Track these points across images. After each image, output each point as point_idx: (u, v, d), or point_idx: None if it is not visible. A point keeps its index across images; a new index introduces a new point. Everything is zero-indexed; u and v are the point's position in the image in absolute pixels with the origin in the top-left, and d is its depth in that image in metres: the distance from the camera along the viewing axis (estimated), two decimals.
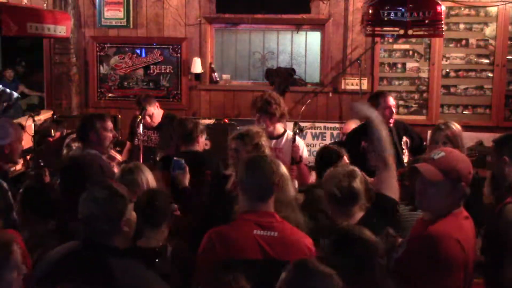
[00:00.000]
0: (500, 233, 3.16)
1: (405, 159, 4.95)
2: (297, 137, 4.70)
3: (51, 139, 5.43)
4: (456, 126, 4.22)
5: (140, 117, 5.22)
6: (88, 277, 2.41)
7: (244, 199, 2.84)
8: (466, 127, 6.81)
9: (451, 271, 2.48)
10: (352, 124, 6.18)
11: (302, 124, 5.46)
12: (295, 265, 2.10)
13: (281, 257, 2.65)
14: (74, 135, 5.39)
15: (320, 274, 2.04)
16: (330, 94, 7.09)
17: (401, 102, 6.99)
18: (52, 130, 5.64)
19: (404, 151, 4.96)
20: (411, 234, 2.68)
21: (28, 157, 5.43)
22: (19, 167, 5.70)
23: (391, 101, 4.93)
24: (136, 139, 5.48)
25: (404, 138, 4.99)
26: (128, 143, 5.79)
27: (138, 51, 7.34)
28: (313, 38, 7.33)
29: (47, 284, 2.46)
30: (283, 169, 3.10)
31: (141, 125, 5.17)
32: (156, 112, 5.61)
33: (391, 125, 4.92)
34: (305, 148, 4.90)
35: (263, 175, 2.80)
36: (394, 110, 4.95)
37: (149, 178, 3.51)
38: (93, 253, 2.49)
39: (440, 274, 2.45)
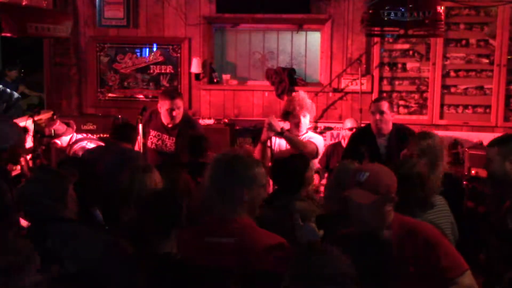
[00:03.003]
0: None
1: None
2: (315, 135, 5.10)
3: (59, 142, 5.35)
4: (433, 137, 3.93)
5: (140, 117, 5.14)
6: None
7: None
8: (466, 127, 6.88)
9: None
10: (348, 123, 6.22)
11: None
12: (302, 249, 2.07)
13: (232, 265, 2.50)
14: (83, 143, 5.32)
15: (328, 254, 2.02)
16: (330, 94, 7.09)
17: (401, 102, 7.00)
18: (52, 130, 5.60)
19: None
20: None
21: (28, 157, 5.42)
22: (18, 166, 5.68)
23: (381, 106, 4.82)
24: (150, 142, 5.31)
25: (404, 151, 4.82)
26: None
27: (138, 51, 7.35)
28: (313, 38, 7.34)
29: None
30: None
31: (140, 125, 5.08)
32: (182, 108, 5.27)
33: (383, 130, 4.85)
34: (321, 144, 5.01)
35: (226, 177, 2.64)
36: (387, 116, 4.82)
37: (157, 180, 3.50)
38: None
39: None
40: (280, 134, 4.67)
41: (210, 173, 2.70)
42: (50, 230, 2.78)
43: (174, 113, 5.17)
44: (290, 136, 4.72)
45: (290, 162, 3.69)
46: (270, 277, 2.46)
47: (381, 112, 4.80)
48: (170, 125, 5.25)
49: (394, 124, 4.94)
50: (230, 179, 2.63)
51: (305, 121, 4.91)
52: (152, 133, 5.28)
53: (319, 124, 7.01)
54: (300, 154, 4.14)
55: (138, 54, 7.34)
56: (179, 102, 5.21)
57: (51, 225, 2.80)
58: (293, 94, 5.28)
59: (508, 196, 3.47)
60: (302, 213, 3.29)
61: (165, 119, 5.23)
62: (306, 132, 5.01)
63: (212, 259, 2.54)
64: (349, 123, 6.16)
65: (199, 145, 4.57)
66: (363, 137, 4.94)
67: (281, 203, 3.44)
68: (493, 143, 3.60)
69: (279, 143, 4.86)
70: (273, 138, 4.76)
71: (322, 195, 4.31)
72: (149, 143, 5.31)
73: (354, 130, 5.88)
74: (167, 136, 5.29)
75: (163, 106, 5.21)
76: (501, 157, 3.50)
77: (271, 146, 4.72)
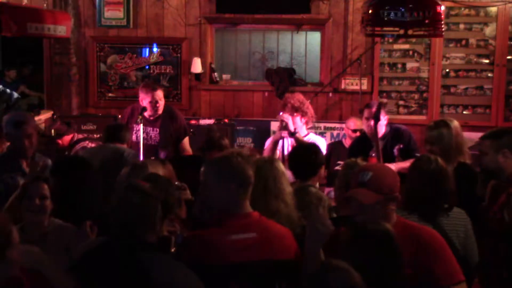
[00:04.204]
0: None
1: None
2: (317, 137, 5.27)
3: (60, 141, 5.35)
4: (450, 125, 4.02)
5: (141, 117, 5.16)
6: (121, 271, 2.38)
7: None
8: (466, 127, 6.87)
9: None
10: (351, 123, 6.18)
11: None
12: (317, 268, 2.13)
13: (263, 258, 2.57)
14: (84, 143, 5.31)
15: (338, 270, 2.06)
16: (330, 94, 7.09)
17: (401, 102, 7.00)
18: (52, 130, 5.60)
19: (395, 159, 4.86)
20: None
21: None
22: None
23: (373, 112, 4.85)
24: (135, 136, 5.34)
25: (397, 146, 4.79)
26: None
27: (138, 51, 7.35)
28: (313, 38, 7.34)
29: (77, 274, 2.45)
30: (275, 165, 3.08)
31: (141, 124, 5.10)
32: (163, 99, 5.41)
33: (379, 134, 4.83)
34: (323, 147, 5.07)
35: (228, 176, 2.65)
36: (381, 120, 4.74)
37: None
38: (125, 247, 2.46)
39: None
40: (293, 134, 4.83)
41: (215, 171, 2.69)
42: (144, 259, 2.45)
43: (157, 105, 5.31)
44: (299, 137, 4.87)
45: (312, 147, 3.80)
46: (290, 264, 2.62)
47: (373, 116, 4.81)
48: (152, 118, 5.37)
49: (389, 125, 4.95)
50: (239, 180, 2.65)
51: (297, 120, 5.03)
52: (137, 127, 5.29)
53: (319, 124, 7.01)
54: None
55: (138, 54, 7.35)
56: (160, 93, 5.35)
57: (143, 253, 2.47)
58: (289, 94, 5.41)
59: (503, 189, 3.46)
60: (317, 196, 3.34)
61: (147, 111, 5.33)
62: (308, 133, 5.13)
63: (241, 255, 2.58)
64: (352, 124, 6.02)
65: (216, 141, 4.54)
66: (362, 145, 4.93)
67: (296, 185, 3.46)
68: (486, 136, 3.60)
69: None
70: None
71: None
72: (134, 137, 5.37)
73: (358, 133, 5.82)
74: (151, 128, 5.40)
75: (145, 99, 5.31)
76: (494, 150, 3.50)
77: (282, 146, 4.88)
